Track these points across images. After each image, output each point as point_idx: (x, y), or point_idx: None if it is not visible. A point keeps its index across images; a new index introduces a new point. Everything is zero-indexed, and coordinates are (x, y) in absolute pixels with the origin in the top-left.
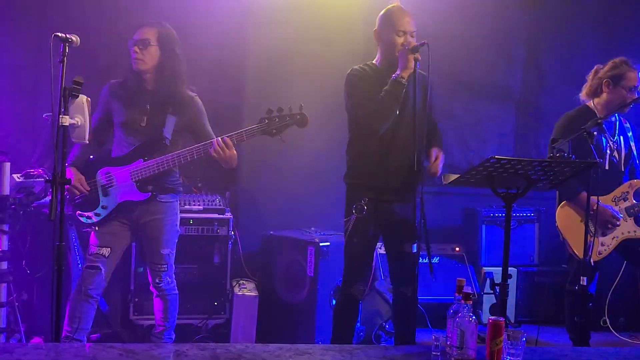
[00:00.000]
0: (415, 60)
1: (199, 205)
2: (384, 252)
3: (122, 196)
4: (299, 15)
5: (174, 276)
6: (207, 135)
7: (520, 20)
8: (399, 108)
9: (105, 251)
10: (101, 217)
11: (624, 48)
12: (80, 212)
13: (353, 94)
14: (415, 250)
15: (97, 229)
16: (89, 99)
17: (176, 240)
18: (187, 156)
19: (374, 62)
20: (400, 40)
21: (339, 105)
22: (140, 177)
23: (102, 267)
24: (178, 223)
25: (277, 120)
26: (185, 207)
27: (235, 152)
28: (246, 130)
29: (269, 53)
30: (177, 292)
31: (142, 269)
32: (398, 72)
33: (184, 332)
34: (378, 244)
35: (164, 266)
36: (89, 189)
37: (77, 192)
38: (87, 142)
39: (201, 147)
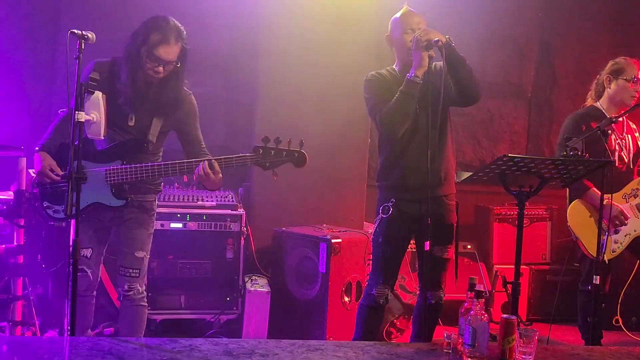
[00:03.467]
0: (430, 57)
1: (212, 201)
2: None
3: (95, 197)
4: (312, 13)
5: (144, 286)
6: (194, 139)
7: (534, 18)
8: (415, 107)
9: (87, 252)
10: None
11: (637, 46)
12: (48, 204)
13: (370, 98)
14: (446, 256)
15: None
16: (105, 95)
17: (151, 244)
18: (170, 170)
19: (393, 67)
20: (409, 37)
21: (354, 105)
22: (116, 180)
23: (87, 269)
24: (153, 225)
25: (272, 153)
26: (199, 202)
27: (221, 176)
28: (237, 157)
29: (283, 51)
30: (147, 304)
31: (155, 264)
32: (412, 71)
33: (197, 327)
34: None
35: (136, 272)
36: (61, 174)
37: (47, 180)
38: (103, 138)
39: (185, 165)
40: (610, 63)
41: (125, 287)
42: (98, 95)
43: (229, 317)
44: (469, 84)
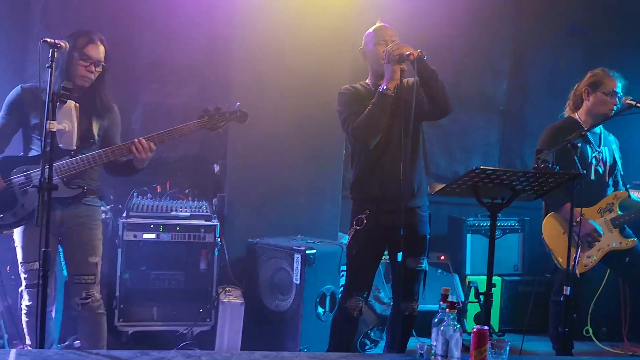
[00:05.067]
0: (402, 70)
1: (185, 211)
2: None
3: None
4: (286, 28)
5: (100, 293)
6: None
7: (506, 32)
8: (388, 120)
9: (37, 265)
10: (18, 219)
11: (606, 62)
12: None
13: (342, 110)
14: (421, 267)
15: (20, 244)
16: (78, 104)
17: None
18: (117, 152)
19: (366, 81)
20: (381, 48)
21: (329, 117)
22: (67, 174)
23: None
24: (102, 230)
25: (217, 117)
26: (172, 213)
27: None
28: (185, 125)
29: (258, 62)
30: (105, 312)
31: (127, 275)
32: (384, 84)
33: (169, 339)
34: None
35: (92, 278)
36: (4, 185)
37: None
38: (75, 147)
39: (129, 145)
40: (588, 75)
41: (83, 294)
42: (70, 104)
43: (202, 329)
44: (441, 97)
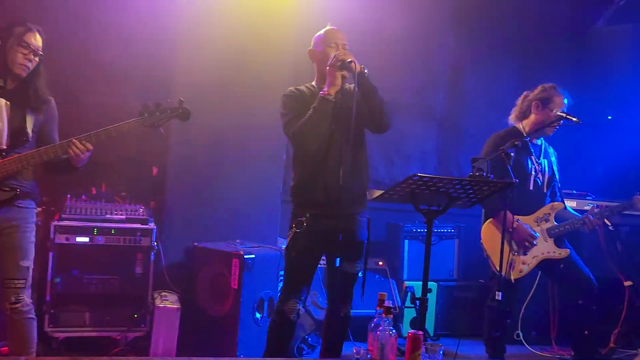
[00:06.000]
0: (343, 77)
1: (121, 214)
2: (323, 266)
3: None
4: (229, 30)
5: (31, 297)
6: (52, 141)
7: (446, 43)
8: (330, 125)
9: None
10: None
11: (540, 77)
12: None
13: (285, 113)
14: (356, 271)
15: None
16: (9, 102)
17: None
18: (51, 152)
19: (312, 83)
20: (331, 51)
21: (271, 121)
22: None
23: None
24: (34, 233)
25: (158, 114)
26: (107, 216)
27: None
28: (125, 123)
29: (200, 65)
30: (35, 317)
31: (59, 280)
32: (326, 88)
33: (102, 346)
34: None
35: (22, 282)
36: None
37: None
38: (5, 146)
39: (65, 144)
40: (540, 88)
41: (12, 299)
42: (1, 102)
43: (136, 335)
44: (379, 113)
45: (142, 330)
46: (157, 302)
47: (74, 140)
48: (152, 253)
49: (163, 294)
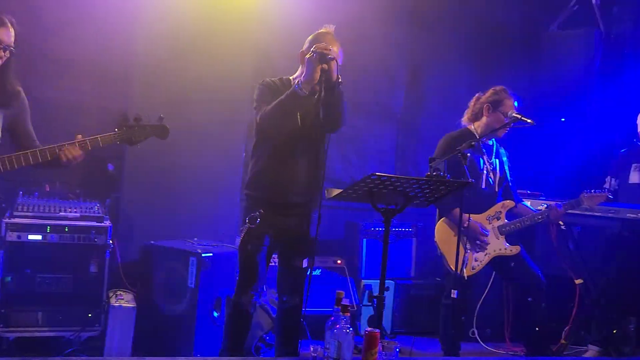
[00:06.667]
0: (322, 70)
1: (75, 212)
2: (274, 264)
3: None
4: (189, 26)
5: None
6: (27, 133)
7: (404, 43)
8: (297, 120)
9: None
10: None
11: (494, 79)
12: None
13: (256, 99)
14: (305, 266)
15: None
16: None
17: None
18: (30, 158)
19: (290, 77)
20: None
21: (230, 117)
22: None
23: None
24: None
25: (136, 129)
26: (61, 213)
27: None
28: (103, 136)
29: (158, 61)
30: None
31: (10, 279)
32: (301, 81)
33: (55, 346)
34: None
35: None
36: None
37: None
38: None
39: (46, 150)
40: (491, 91)
41: None
42: None
43: (90, 334)
44: (336, 115)
45: (97, 329)
46: (112, 301)
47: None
48: (107, 251)
49: (118, 293)
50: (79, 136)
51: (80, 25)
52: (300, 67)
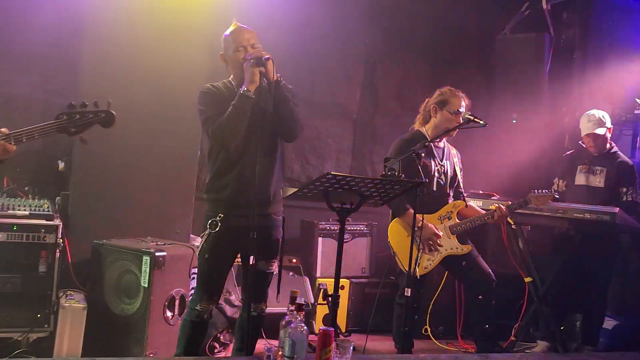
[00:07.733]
0: (260, 73)
1: (24, 210)
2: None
3: None
4: (142, 21)
5: None
6: None
7: (361, 43)
8: (248, 122)
9: None
10: None
11: (450, 80)
12: None
13: (204, 110)
14: (270, 270)
15: None
16: None
17: None
18: None
19: (230, 79)
20: (241, 55)
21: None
22: None
23: None
24: None
25: (77, 117)
26: (9, 211)
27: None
28: (38, 127)
29: (109, 58)
30: None
31: None
32: (244, 86)
33: (2, 347)
34: None
35: None
36: None
37: None
38: None
39: None
40: (437, 93)
41: None
42: None
43: (39, 335)
44: (290, 122)
45: (46, 330)
46: (62, 301)
47: None
48: (57, 250)
49: (68, 292)
50: (4, 130)
51: (25, 16)
52: (230, 69)
